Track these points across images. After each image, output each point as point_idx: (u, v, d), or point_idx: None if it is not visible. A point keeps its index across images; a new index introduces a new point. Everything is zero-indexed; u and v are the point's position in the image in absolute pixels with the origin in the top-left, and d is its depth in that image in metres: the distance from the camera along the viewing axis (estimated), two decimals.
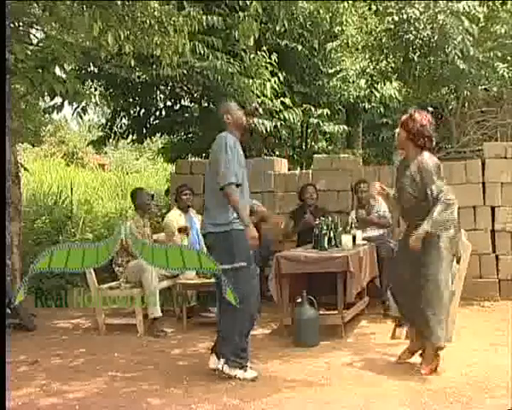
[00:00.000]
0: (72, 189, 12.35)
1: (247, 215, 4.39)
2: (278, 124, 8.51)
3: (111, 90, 9.59)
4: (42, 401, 4.05)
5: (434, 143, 4.53)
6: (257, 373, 4.37)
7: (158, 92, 9.76)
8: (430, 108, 9.76)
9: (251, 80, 8.10)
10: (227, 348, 4.36)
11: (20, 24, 6.83)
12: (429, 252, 4.31)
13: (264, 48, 8.48)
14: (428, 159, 4.38)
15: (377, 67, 8.63)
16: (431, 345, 4.38)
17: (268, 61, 8.41)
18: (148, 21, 6.08)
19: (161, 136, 11.08)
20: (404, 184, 4.45)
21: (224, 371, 4.33)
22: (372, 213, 6.84)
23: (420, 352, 4.55)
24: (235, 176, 4.30)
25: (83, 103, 7.00)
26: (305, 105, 9.04)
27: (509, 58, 7.83)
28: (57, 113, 6.98)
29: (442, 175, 4.41)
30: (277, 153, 9.95)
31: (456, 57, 7.22)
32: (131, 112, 9.94)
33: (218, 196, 4.35)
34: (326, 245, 5.81)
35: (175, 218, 6.82)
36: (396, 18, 7.44)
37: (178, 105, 10.05)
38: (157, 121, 10.03)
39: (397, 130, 4.65)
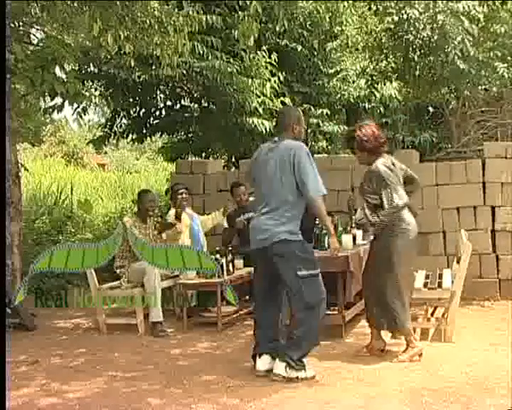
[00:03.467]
0: (72, 189, 12.36)
1: (331, 224, 4.62)
2: None
3: (111, 91, 9.57)
4: (42, 400, 4.04)
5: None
6: (315, 372, 4.37)
7: (158, 92, 9.75)
8: (430, 109, 9.78)
9: (251, 80, 8.10)
10: (297, 352, 4.32)
11: (20, 24, 6.84)
12: (387, 248, 4.68)
13: (264, 48, 8.47)
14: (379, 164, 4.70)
15: (377, 67, 8.64)
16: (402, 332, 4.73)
17: (268, 60, 8.40)
18: (148, 21, 6.09)
19: (161, 135, 11.06)
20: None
21: (290, 375, 4.26)
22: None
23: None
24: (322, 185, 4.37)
25: (83, 104, 7.00)
26: (305, 105, 9.03)
27: (509, 58, 7.84)
28: (57, 113, 6.99)
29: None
30: None
31: (456, 57, 7.22)
32: (131, 112, 9.92)
33: (292, 206, 4.35)
34: (326, 245, 5.80)
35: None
36: (396, 18, 7.45)
37: (178, 105, 10.04)
38: (157, 121, 10.02)
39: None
